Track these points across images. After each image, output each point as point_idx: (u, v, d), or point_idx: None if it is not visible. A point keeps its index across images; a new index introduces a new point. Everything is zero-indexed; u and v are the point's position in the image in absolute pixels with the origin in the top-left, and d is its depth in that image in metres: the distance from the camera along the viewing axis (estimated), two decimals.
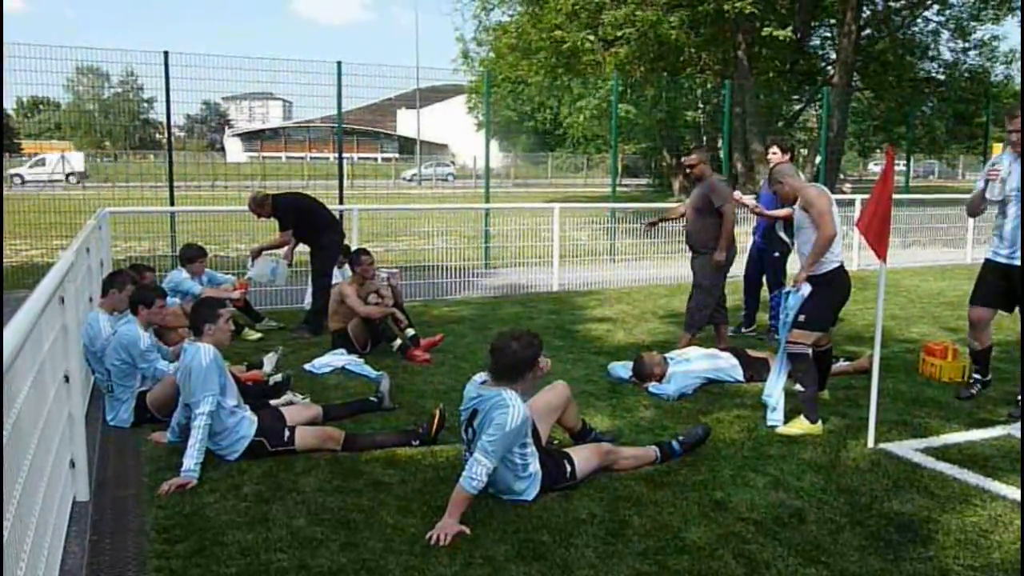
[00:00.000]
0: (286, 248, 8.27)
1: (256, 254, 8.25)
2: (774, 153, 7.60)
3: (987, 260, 5.67)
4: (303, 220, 8.01)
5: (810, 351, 5.14)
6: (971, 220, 14.34)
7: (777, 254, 7.70)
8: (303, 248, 8.34)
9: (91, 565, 3.44)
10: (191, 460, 4.30)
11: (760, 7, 18.57)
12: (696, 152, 7.12)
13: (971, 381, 5.95)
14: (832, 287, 5.16)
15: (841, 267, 5.19)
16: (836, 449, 4.77)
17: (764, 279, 7.97)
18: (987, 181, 5.52)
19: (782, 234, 7.52)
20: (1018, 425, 4.98)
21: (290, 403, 5.36)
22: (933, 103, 24.45)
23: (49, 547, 3.14)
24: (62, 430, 3.81)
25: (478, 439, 3.81)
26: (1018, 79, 27.00)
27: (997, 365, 6.78)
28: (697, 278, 7.02)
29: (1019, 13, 22.90)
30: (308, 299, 8.59)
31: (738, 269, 7.75)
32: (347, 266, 8.92)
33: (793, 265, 6.16)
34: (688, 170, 7.10)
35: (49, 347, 3.61)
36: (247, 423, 4.63)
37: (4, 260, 10.94)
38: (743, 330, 8.01)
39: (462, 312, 9.25)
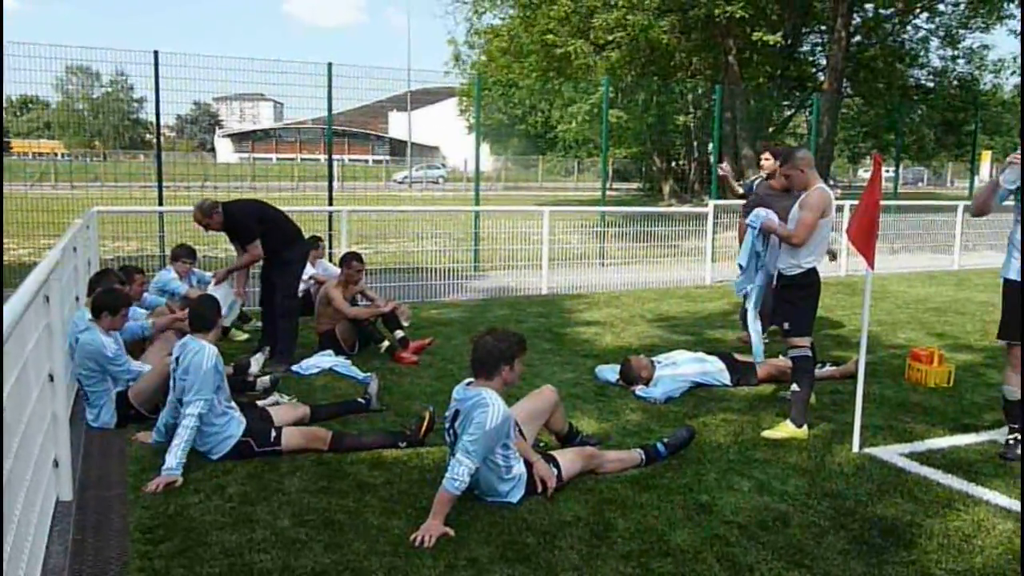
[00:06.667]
0: (237, 276, 7.08)
1: (222, 278, 6.88)
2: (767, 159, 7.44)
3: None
4: (268, 231, 6.67)
5: (810, 352, 5.19)
6: (958, 227, 14.42)
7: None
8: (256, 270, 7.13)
9: (73, 564, 3.42)
10: (174, 459, 4.28)
11: (750, 12, 18.65)
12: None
13: (1011, 442, 4.80)
14: (809, 290, 5.19)
15: (814, 269, 5.21)
16: (821, 453, 4.79)
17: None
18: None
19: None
20: (1004, 430, 5.00)
21: (277, 403, 5.35)
22: (922, 110, 24.65)
23: (31, 546, 3.12)
24: (46, 429, 3.79)
25: (460, 440, 3.82)
26: (1006, 87, 27.22)
27: (985, 371, 6.84)
28: None
29: (1008, 23, 23.09)
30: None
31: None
32: (321, 261, 8.76)
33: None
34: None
35: (33, 346, 3.59)
36: (235, 423, 4.62)
37: None
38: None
39: (451, 314, 9.25)
